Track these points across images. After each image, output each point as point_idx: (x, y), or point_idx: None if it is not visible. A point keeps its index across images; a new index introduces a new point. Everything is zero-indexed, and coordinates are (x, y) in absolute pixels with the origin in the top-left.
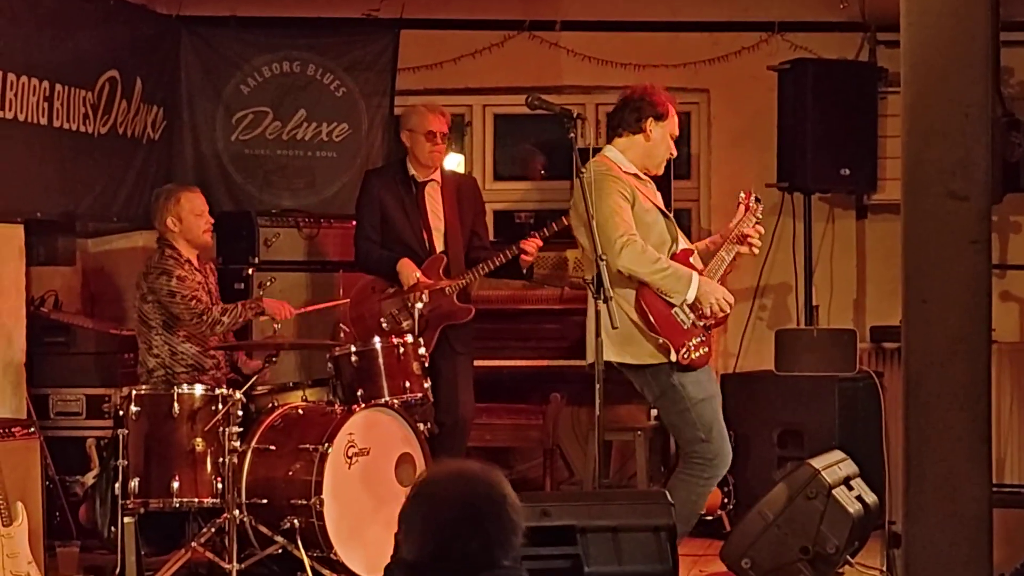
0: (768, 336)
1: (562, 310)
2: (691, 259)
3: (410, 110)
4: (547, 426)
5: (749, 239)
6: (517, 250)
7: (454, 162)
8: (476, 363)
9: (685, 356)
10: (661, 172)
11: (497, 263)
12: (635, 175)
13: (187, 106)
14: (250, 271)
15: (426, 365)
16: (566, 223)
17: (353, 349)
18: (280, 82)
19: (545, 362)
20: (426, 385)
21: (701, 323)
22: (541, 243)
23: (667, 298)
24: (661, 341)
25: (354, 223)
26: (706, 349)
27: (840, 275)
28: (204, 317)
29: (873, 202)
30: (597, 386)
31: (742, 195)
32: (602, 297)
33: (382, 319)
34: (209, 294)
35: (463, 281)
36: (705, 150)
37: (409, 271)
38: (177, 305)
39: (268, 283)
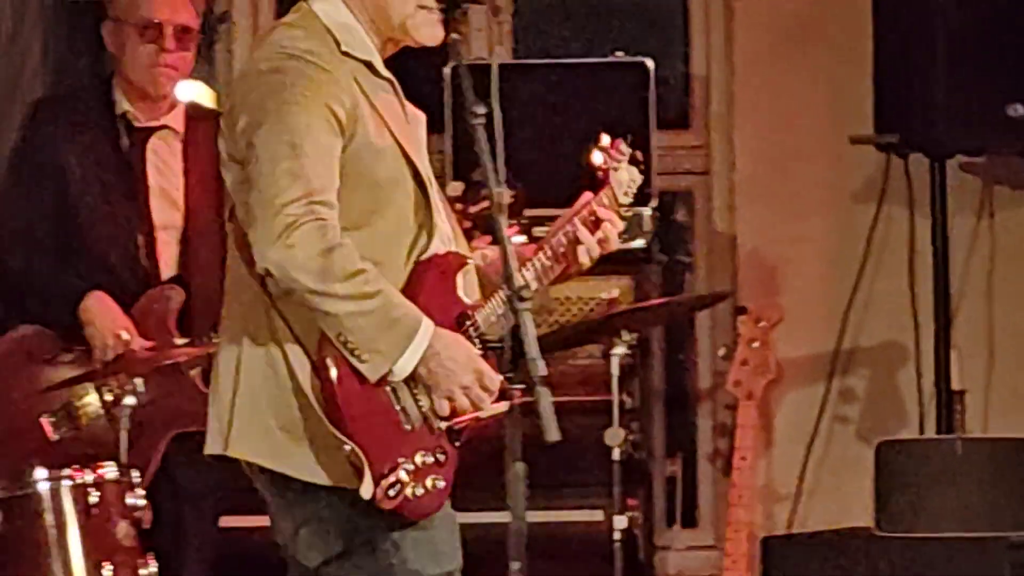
0: (861, 455)
1: None
2: (459, 276)
3: None
4: None
5: (603, 225)
6: None
7: (191, 93)
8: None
9: (393, 492)
10: (423, 42)
11: None
12: (367, 63)
13: None
14: None
15: (144, 526)
16: None
17: None
18: None
19: None
20: (145, 573)
21: (443, 425)
22: None
23: (356, 360)
24: (349, 448)
25: None
26: (442, 483)
27: (1008, 320)
28: None
29: None
30: None
31: (605, 141)
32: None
33: (47, 417)
34: None
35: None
36: (723, 71)
37: (107, 317)
38: None
39: None
